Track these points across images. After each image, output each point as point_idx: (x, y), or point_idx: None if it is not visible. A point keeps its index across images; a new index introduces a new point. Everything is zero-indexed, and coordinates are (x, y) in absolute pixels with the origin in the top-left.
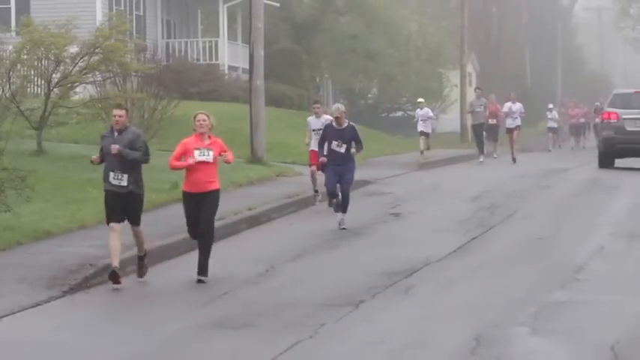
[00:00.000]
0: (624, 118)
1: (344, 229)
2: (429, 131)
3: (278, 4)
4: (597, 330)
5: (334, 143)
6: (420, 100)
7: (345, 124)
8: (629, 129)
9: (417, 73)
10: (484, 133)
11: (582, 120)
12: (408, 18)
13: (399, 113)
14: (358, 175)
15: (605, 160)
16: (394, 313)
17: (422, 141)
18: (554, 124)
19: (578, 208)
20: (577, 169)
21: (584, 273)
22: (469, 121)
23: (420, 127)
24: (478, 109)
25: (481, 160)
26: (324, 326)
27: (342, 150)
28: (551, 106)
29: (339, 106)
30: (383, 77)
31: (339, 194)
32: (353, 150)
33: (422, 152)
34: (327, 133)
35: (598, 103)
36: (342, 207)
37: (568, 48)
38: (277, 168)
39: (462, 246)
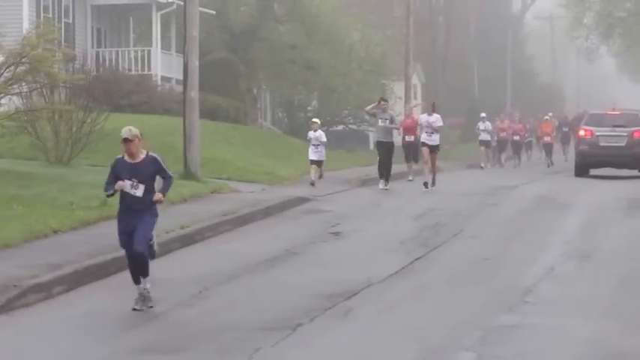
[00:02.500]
0: (597, 135)
1: (141, 309)
2: (322, 159)
3: (214, 12)
4: (546, 355)
5: (127, 183)
6: (315, 120)
7: (143, 156)
8: (601, 144)
9: (360, 85)
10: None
11: (516, 137)
12: (350, 27)
13: (340, 127)
14: (296, 191)
15: (581, 171)
16: (333, 338)
17: (312, 170)
18: (486, 137)
19: (527, 227)
20: (526, 185)
21: (532, 295)
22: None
23: (311, 155)
24: (381, 124)
25: (381, 186)
26: (259, 351)
27: (139, 193)
28: (483, 115)
29: (131, 129)
30: (324, 89)
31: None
32: (158, 196)
33: (312, 183)
34: (118, 170)
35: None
36: (139, 273)
37: (518, 58)
38: (212, 184)
39: (405, 266)
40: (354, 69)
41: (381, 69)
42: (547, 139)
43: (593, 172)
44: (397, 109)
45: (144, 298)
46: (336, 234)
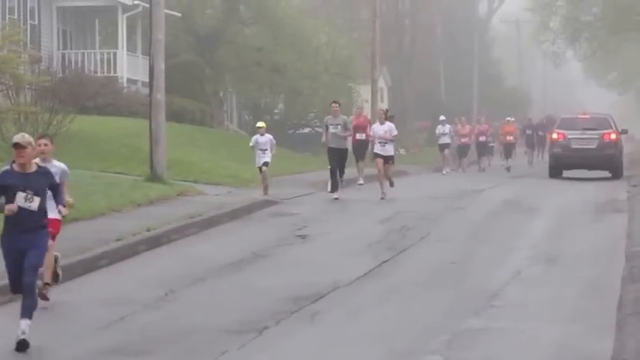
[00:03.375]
0: (570, 138)
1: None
2: (267, 160)
3: (180, 15)
4: (513, 359)
5: (20, 196)
6: (260, 124)
7: (35, 167)
8: (573, 147)
9: (326, 88)
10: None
11: (482, 138)
12: (317, 29)
13: (307, 130)
14: (263, 194)
15: (555, 172)
16: (299, 340)
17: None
18: (446, 140)
19: (494, 230)
20: (492, 189)
21: (499, 299)
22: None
23: (260, 158)
24: (333, 130)
25: (334, 195)
26: (225, 354)
27: (34, 206)
28: (442, 118)
29: (24, 135)
30: (290, 92)
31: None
32: (59, 211)
33: (265, 192)
34: (6, 181)
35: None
36: (26, 310)
37: (485, 62)
38: (178, 187)
39: (372, 270)
40: (321, 72)
41: (348, 72)
42: (509, 137)
43: (565, 173)
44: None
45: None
46: (303, 237)
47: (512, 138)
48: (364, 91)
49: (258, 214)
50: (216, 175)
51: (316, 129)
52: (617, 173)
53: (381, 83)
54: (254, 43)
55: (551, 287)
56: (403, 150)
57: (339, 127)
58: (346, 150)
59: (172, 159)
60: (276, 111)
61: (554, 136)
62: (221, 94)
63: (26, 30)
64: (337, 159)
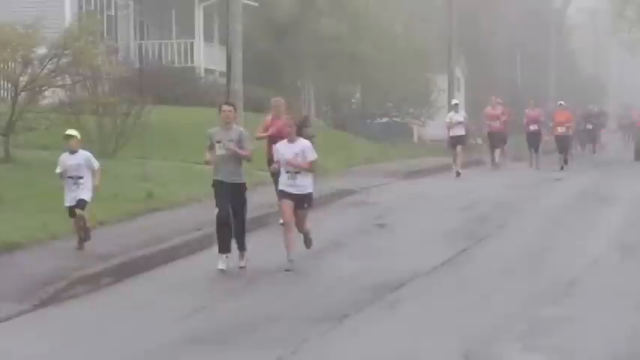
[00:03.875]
0: None
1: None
2: (84, 197)
3: (257, 4)
4: (590, 347)
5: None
6: (71, 133)
7: None
8: None
9: (403, 78)
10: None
11: (533, 127)
12: (393, 19)
13: (385, 119)
14: (341, 184)
15: (638, 155)
16: (379, 329)
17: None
18: (459, 132)
19: (571, 220)
20: (571, 178)
21: (577, 287)
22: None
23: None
24: (220, 152)
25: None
26: (306, 342)
27: None
28: (456, 101)
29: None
30: (367, 81)
31: None
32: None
33: (80, 245)
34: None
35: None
36: None
37: (561, 51)
38: (255, 176)
39: (451, 259)
40: (397, 62)
41: (424, 62)
42: (560, 129)
43: None
44: (441, 100)
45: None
46: (382, 226)
47: (564, 130)
48: (441, 81)
49: (337, 203)
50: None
51: (394, 119)
52: None
53: (458, 73)
54: (331, 32)
55: (628, 276)
56: (480, 139)
57: (232, 142)
58: (243, 185)
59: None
60: (353, 100)
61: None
62: (299, 83)
63: (103, 21)
64: (228, 198)
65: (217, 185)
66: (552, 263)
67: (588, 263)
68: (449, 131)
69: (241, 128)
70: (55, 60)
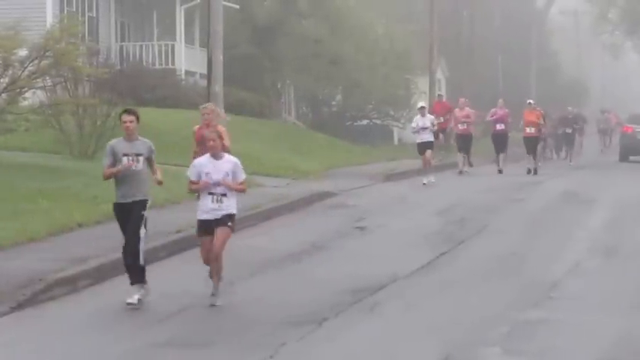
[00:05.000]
0: (636, 131)
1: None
2: None
3: (238, 7)
4: (571, 351)
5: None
6: None
7: None
8: (639, 138)
9: (384, 80)
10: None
11: (500, 126)
12: (374, 21)
13: (365, 122)
14: (321, 186)
15: (623, 157)
16: (359, 332)
17: None
18: (427, 137)
19: (552, 222)
20: (551, 181)
21: (558, 291)
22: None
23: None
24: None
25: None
26: (285, 345)
27: None
28: (422, 104)
29: None
30: (348, 83)
31: None
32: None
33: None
34: None
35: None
36: None
37: (543, 53)
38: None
39: (431, 261)
40: (378, 64)
41: (405, 64)
42: (529, 130)
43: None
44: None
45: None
46: (361, 229)
47: (533, 131)
48: (422, 83)
49: (316, 205)
50: (275, 167)
51: (374, 121)
52: None
53: (439, 75)
54: (312, 35)
55: (610, 279)
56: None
57: (139, 159)
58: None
59: (230, 151)
60: (334, 103)
61: (625, 129)
62: (279, 85)
63: (84, 22)
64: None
65: (119, 209)
66: (533, 266)
67: (570, 266)
68: (416, 137)
69: (147, 141)
70: (36, 62)
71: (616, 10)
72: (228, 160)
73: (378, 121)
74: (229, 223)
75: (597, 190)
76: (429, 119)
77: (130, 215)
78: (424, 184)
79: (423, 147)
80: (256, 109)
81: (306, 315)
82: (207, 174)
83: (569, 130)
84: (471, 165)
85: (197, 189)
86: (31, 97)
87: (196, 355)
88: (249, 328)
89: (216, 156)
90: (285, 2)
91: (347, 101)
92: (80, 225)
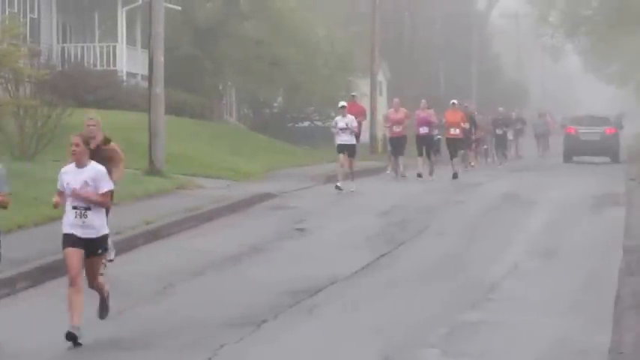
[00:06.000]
0: (579, 132)
1: None
2: None
3: (179, 8)
4: (510, 352)
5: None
6: None
7: None
8: (582, 139)
9: (325, 81)
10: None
11: (423, 130)
12: (316, 23)
13: (306, 123)
14: (261, 187)
15: (567, 158)
16: (298, 334)
17: None
18: (347, 139)
19: (492, 224)
20: (492, 183)
21: (497, 292)
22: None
23: None
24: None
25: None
26: (223, 347)
27: None
28: (343, 103)
29: None
30: (289, 85)
31: None
32: None
33: None
34: None
35: (513, 113)
36: None
37: (484, 56)
38: (177, 180)
39: (370, 263)
40: (320, 65)
41: (347, 66)
42: (453, 131)
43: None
44: (364, 104)
45: None
46: (302, 230)
47: (457, 132)
48: (363, 85)
49: (257, 207)
50: (216, 168)
51: (315, 122)
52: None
53: (381, 77)
54: (253, 36)
55: (548, 280)
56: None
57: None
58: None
59: (171, 152)
60: (275, 104)
61: (567, 130)
62: (220, 87)
63: (26, 24)
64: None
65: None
66: (473, 267)
67: (508, 267)
68: (336, 138)
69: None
70: None
71: (556, 12)
72: (92, 168)
73: (320, 123)
74: (100, 251)
75: (538, 191)
76: (348, 120)
77: None
78: (337, 187)
79: (340, 149)
80: (197, 110)
81: (245, 317)
82: (67, 184)
83: (499, 132)
84: (403, 176)
85: (56, 202)
86: None
87: (135, 356)
88: (188, 329)
89: (79, 163)
90: (227, 3)
91: (288, 103)
92: (20, 227)
